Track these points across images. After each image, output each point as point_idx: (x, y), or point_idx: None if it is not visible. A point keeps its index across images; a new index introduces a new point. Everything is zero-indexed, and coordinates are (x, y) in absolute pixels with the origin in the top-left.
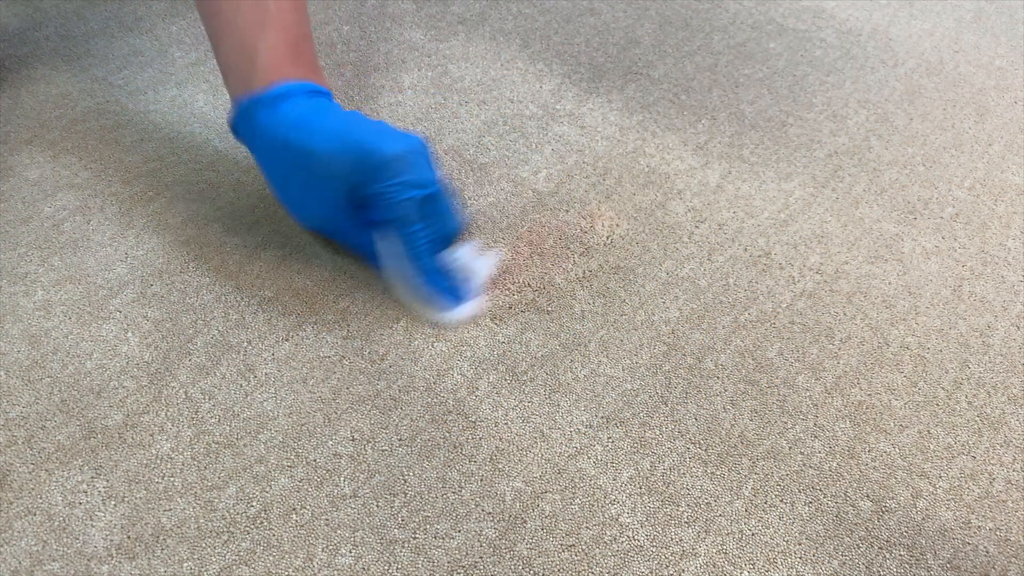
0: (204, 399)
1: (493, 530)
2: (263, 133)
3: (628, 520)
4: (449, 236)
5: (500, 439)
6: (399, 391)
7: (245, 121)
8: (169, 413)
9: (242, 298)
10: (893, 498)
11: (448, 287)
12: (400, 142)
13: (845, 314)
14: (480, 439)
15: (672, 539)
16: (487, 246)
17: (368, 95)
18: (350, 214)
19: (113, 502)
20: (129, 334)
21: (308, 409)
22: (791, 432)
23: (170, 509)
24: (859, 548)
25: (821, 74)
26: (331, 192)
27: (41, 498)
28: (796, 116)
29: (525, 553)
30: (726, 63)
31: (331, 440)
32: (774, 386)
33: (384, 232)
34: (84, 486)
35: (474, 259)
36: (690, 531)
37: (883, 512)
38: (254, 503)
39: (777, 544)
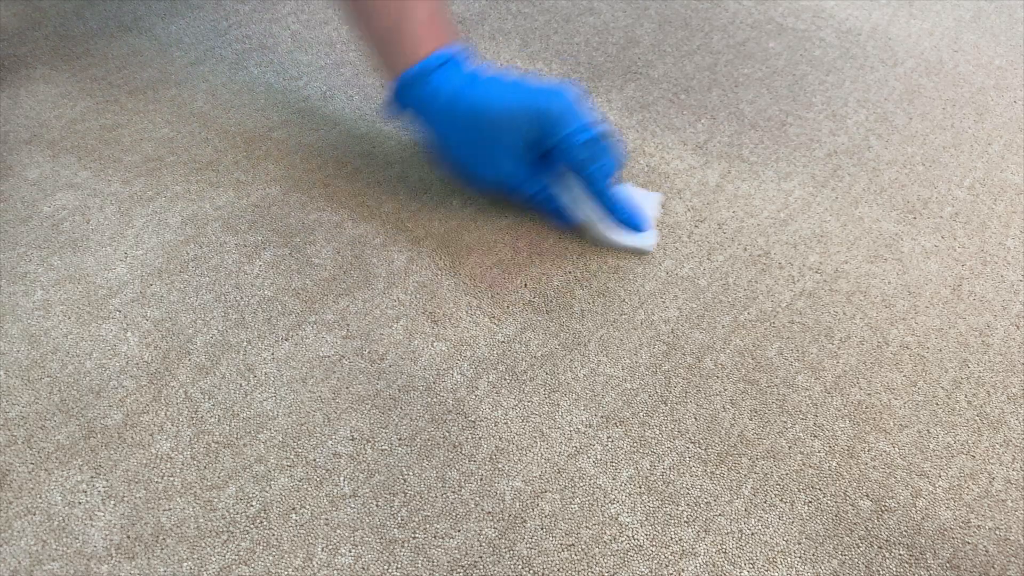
0: (204, 399)
1: (493, 530)
2: (437, 98)
3: (628, 519)
4: (617, 168)
5: (500, 439)
6: (399, 391)
7: (411, 92)
8: (169, 413)
9: (242, 298)
10: (893, 497)
11: (636, 215)
12: (564, 94)
13: (845, 314)
14: (480, 439)
15: (672, 538)
16: (644, 186)
17: (368, 95)
18: (530, 165)
19: (113, 502)
20: (129, 334)
21: (308, 409)
22: (791, 432)
23: (170, 509)
24: (859, 547)
25: (821, 73)
26: (514, 146)
27: (41, 498)
28: (796, 116)
29: (525, 552)
30: (726, 63)
31: (331, 440)
32: (774, 386)
33: (566, 176)
34: (84, 486)
35: (642, 195)
36: (690, 530)
37: (883, 511)
38: (254, 503)
39: (777, 543)
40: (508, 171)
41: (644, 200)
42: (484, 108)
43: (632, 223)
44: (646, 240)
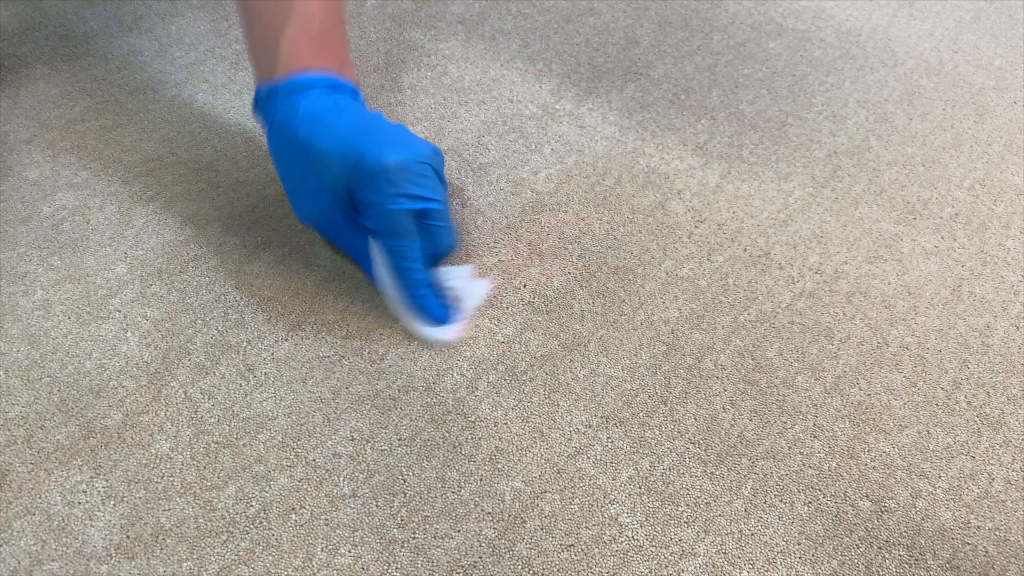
0: (203, 399)
1: (493, 530)
2: (275, 121)
3: (627, 520)
4: (441, 254)
5: (499, 439)
6: (398, 391)
7: (263, 108)
8: (168, 413)
9: (242, 298)
10: (892, 498)
11: (435, 305)
12: (405, 151)
13: (845, 314)
14: (479, 439)
15: (671, 539)
16: (481, 272)
17: (368, 95)
18: (345, 215)
19: (112, 502)
20: (128, 334)
21: (308, 409)
22: (790, 432)
23: (169, 509)
24: (858, 548)
25: (821, 74)
26: (327, 190)
27: (40, 498)
28: (796, 116)
29: (524, 553)
30: (726, 63)
31: (331, 440)
32: (774, 386)
33: (375, 240)
34: (83, 486)
35: (467, 282)
36: (689, 531)
37: (882, 512)
38: (253, 503)
39: (776, 544)
40: (322, 213)
41: (467, 289)
42: (311, 141)
43: (429, 313)
44: (439, 333)
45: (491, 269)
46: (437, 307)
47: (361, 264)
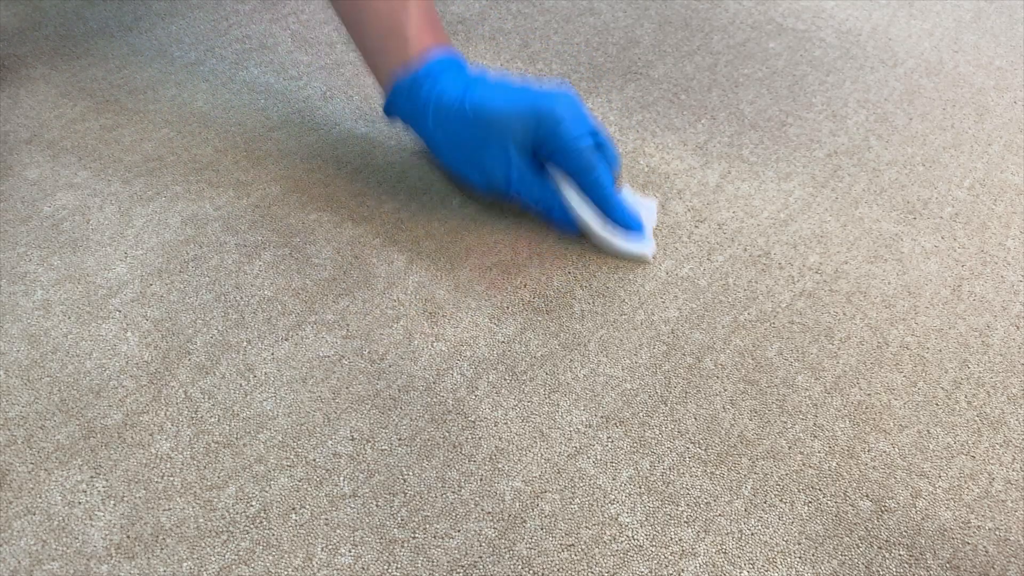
0: (204, 399)
1: (493, 530)
2: (432, 103)
3: (627, 520)
4: (615, 170)
5: (500, 439)
6: (399, 391)
7: (406, 98)
8: (168, 413)
9: (242, 298)
10: (893, 498)
11: (633, 220)
12: (566, 98)
13: (845, 314)
14: (480, 439)
15: (671, 539)
16: (643, 193)
17: (368, 95)
18: (532, 169)
19: (112, 502)
20: (129, 334)
21: (308, 409)
22: (790, 432)
23: (169, 509)
24: (859, 548)
25: (821, 74)
26: (514, 149)
27: (40, 498)
28: (796, 116)
29: (525, 553)
30: (726, 63)
31: (331, 440)
32: (774, 386)
33: (564, 181)
34: (83, 486)
35: (637, 201)
36: (689, 531)
37: (883, 512)
38: (253, 503)
39: (776, 544)
40: (508, 174)
41: (642, 206)
42: (487, 109)
43: (632, 229)
44: (645, 247)
45: (491, 269)
46: (634, 219)
47: (551, 213)
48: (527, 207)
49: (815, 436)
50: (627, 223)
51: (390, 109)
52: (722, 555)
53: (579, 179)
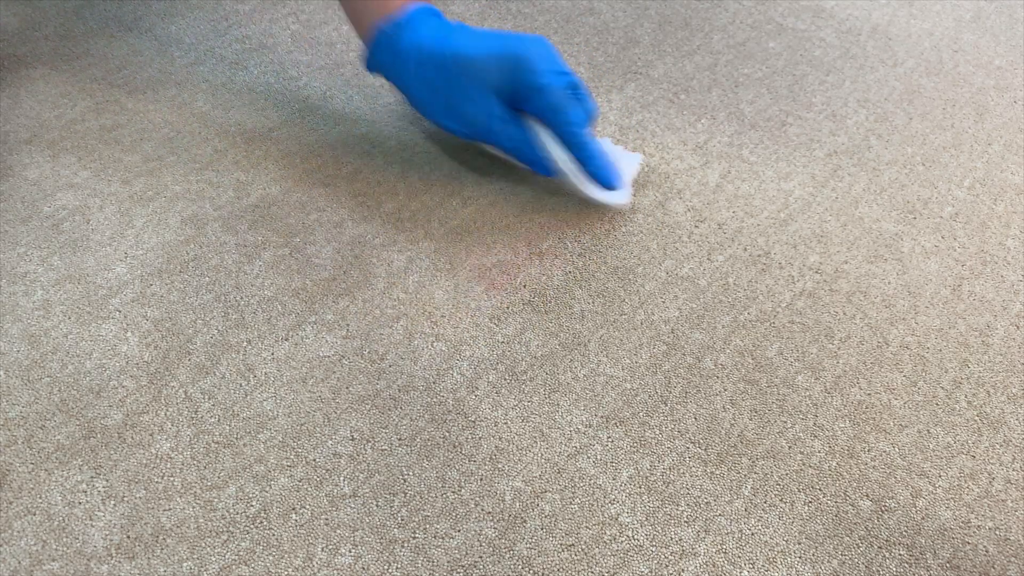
0: (204, 399)
1: (493, 530)
2: (411, 50)
3: (628, 519)
4: (591, 117)
5: (500, 439)
6: (399, 391)
7: (386, 48)
8: (169, 413)
9: (242, 298)
10: (893, 497)
11: (607, 164)
12: (538, 42)
13: (845, 314)
14: (480, 439)
15: (672, 538)
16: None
17: (368, 95)
18: (506, 112)
19: (113, 502)
20: (129, 334)
21: (308, 409)
22: (790, 432)
23: (170, 509)
24: (859, 547)
25: (821, 73)
26: (490, 92)
27: (41, 498)
28: (796, 116)
29: (525, 553)
30: (726, 63)
31: (331, 440)
32: (774, 386)
33: (545, 120)
34: (84, 486)
35: (621, 154)
36: (690, 530)
37: (883, 511)
38: (254, 503)
39: (777, 543)
40: (484, 119)
41: (623, 158)
42: (463, 55)
43: (605, 178)
44: (619, 197)
45: (491, 269)
46: (609, 167)
47: (524, 155)
48: (504, 151)
49: (815, 436)
50: (597, 171)
51: (372, 63)
52: (722, 555)
53: (551, 120)
